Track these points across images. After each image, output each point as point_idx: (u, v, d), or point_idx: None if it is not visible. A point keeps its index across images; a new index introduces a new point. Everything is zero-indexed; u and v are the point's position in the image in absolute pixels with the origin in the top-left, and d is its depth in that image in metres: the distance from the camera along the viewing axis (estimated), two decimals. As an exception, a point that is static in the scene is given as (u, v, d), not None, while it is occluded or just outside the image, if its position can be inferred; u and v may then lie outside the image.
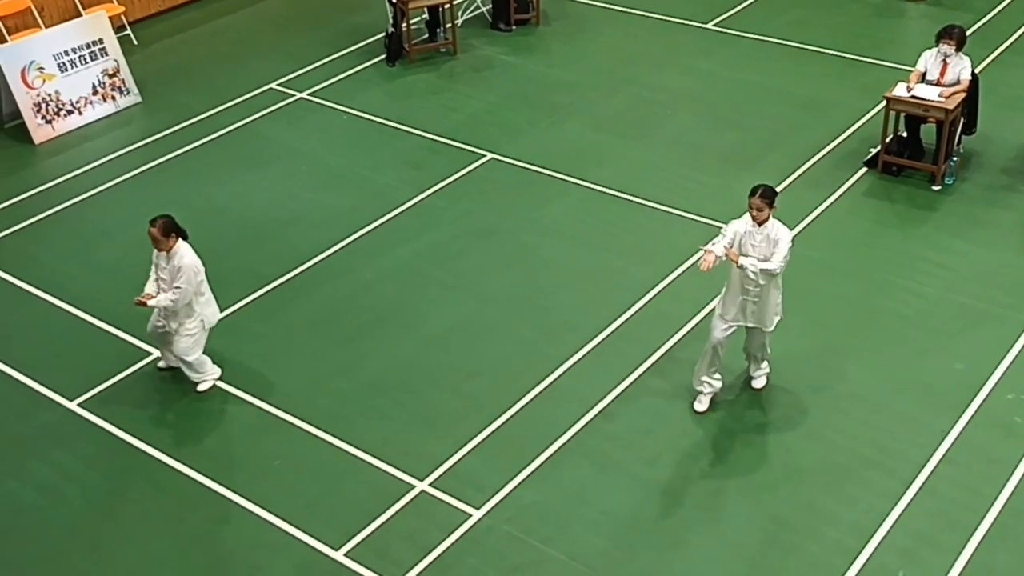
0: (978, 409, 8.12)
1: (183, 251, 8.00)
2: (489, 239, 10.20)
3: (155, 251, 8.08)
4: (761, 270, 7.58)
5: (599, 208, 10.57)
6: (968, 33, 10.84)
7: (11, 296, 9.72)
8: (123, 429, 8.23)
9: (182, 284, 7.95)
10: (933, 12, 13.90)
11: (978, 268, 9.57)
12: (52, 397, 8.56)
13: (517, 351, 8.83)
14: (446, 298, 9.47)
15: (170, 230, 7.96)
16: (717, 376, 8.15)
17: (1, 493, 7.78)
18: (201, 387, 8.49)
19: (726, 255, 7.60)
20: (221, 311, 8.56)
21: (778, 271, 7.67)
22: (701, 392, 8.19)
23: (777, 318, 7.99)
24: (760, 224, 7.62)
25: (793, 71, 12.91)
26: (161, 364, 8.71)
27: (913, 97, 10.48)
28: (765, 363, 8.31)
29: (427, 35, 13.86)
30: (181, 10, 15.07)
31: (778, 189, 10.52)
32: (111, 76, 12.58)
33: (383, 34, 13.58)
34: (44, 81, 12.10)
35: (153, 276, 8.16)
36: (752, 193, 7.61)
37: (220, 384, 8.57)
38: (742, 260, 7.59)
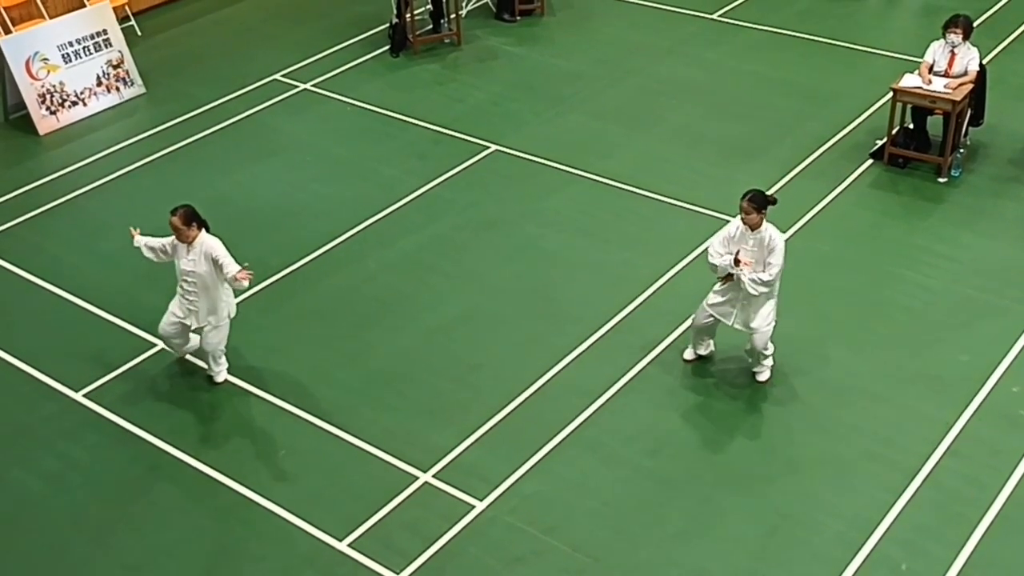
0: (983, 401, 8.10)
1: (206, 238, 7.99)
2: (493, 231, 10.18)
3: (174, 243, 8.06)
4: (751, 280, 7.76)
5: (603, 200, 10.55)
6: (975, 24, 10.79)
7: (16, 286, 9.73)
8: (128, 420, 8.24)
9: (225, 260, 7.88)
10: (941, 3, 13.83)
11: (984, 260, 9.54)
12: (57, 387, 8.57)
13: (521, 343, 8.82)
14: (450, 289, 9.47)
15: (191, 219, 7.94)
16: (706, 345, 8.49)
17: (6, 482, 7.81)
18: (219, 378, 8.50)
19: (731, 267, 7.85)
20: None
21: (772, 279, 7.82)
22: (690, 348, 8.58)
23: (769, 326, 8.01)
24: (752, 228, 7.72)
25: (799, 62, 12.87)
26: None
27: (919, 89, 10.44)
28: (767, 360, 8.31)
29: (431, 26, 13.83)
30: (185, 0, 15.05)
31: (783, 180, 10.61)
32: (115, 67, 12.57)
33: (387, 25, 13.56)
34: (48, 72, 12.09)
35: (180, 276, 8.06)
36: (743, 197, 7.75)
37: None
38: (739, 272, 7.81)
